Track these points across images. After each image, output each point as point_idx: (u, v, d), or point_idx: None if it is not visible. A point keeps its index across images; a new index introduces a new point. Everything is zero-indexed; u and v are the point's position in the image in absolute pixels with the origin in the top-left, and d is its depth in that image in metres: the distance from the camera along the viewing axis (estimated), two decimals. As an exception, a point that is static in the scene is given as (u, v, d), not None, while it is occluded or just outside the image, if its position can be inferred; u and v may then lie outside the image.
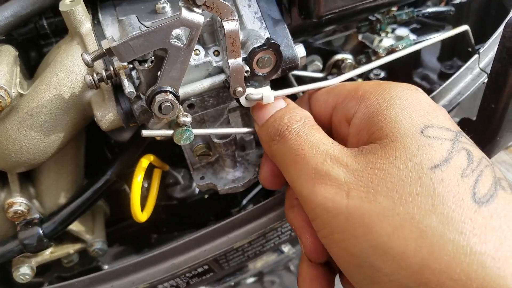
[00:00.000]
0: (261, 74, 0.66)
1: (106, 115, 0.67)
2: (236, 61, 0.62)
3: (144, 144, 0.86)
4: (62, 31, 0.78)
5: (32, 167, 0.74)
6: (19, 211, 0.79)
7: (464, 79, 0.88)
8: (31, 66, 0.82)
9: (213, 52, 0.69)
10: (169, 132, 0.65)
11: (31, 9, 0.69)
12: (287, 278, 1.39)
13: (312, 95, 0.70)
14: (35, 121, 0.67)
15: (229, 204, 1.17)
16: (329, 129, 0.65)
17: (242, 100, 0.67)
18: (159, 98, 0.60)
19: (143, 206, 0.83)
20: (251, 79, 0.66)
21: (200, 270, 0.87)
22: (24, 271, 0.89)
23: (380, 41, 1.01)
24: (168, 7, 0.66)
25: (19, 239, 0.80)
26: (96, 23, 0.69)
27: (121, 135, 0.99)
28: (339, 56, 0.89)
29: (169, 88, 0.61)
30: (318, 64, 0.91)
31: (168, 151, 0.97)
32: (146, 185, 1.12)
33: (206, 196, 1.11)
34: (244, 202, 1.18)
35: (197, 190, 1.10)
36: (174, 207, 1.11)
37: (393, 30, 1.06)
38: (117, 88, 0.68)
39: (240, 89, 0.64)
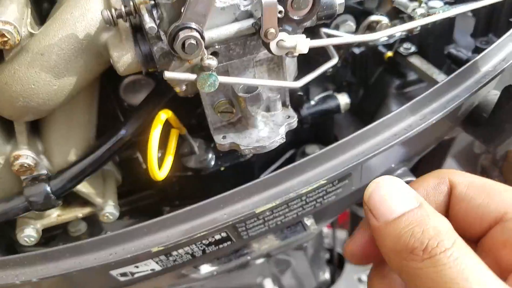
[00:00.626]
0: (295, 18, 0.60)
1: (124, 56, 0.61)
2: (270, -3, 0.55)
3: (161, 103, 0.81)
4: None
5: (40, 114, 0.69)
6: (25, 164, 0.73)
7: (509, 44, 0.81)
8: (43, 16, 0.77)
9: (242, -5, 0.63)
10: (193, 76, 0.59)
11: None
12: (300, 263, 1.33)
13: (457, 186, 0.49)
14: (46, 61, 0.61)
15: (245, 179, 1.10)
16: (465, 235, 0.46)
17: (273, 46, 0.61)
18: (182, 34, 0.55)
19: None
20: (284, 23, 0.60)
21: (217, 237, 0.81)
22: (28, 233, 0.84)
23: (414, 9, 0.94)
24: None
25: (24, 195, 0.75)
26: (116, -41, 0.63)
27: (136, 97, 0.93)
28: (374, 17, 0.83)
29: (194, 25, 0.55)
30: (351, 24, 0.84)
31: (184, 121, 0.92)
32: (159, 154, 1.07)
33: (223, 168, 1.05)
34: (262, 177, 1.12)
35: (213, 162, 1.05)
36: (188, 179, 1.05)
37: (426, 2, 0.99)
38: (136, 30, 0.63)
39: (272, 30, 0.58)
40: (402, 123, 0.75)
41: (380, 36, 0.69)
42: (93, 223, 1.04)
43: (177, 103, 0.87)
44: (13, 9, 0.61)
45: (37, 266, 0.80)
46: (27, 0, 0.67)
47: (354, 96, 1.15)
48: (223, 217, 0.77)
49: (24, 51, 0.62)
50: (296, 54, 0.66)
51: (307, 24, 0.64)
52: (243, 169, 1.07)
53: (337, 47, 0.97)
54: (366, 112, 1.19)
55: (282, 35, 0.60)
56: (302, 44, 0.60)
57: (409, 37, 1.08)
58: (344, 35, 0.79)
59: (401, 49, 1.09)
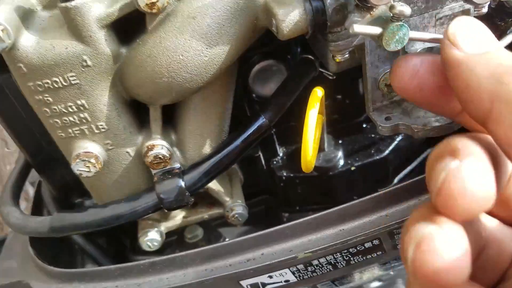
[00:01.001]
0: None
1: (290, 14, 0.51)
2: None
3: (303, 83, 0.70)
4: None
5: (184, 94, 0.60)
6: (160, 156, 0.65)
7: None
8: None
9: None
10: (378, 29, 0.47)
11: None
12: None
13: None
14: (198, 26, 0.53)
15: (377, 182, 0.96)
16: None
17: (480, -12, 0.47)
18: (377, -30, 0.43)
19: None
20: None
21: (368, 245, 0.67)
22: (153, 236, 0.76)
23: None
24: None
25: (156, 191, 0.67)
26: None
27: (265, 87, 0.83)
28: None
29: (388, -39, 0.44)
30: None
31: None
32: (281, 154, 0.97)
33: (353, 168, 0.92)
34: (396, 180, 0.97)
35: (342, 161, 0.91)
36: (312, 180, 0.93)
37: None
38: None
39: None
40: None
41: None
42: (210, 229, 0.95)
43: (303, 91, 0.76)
44: None
45: (163, 274, 0.71)
46: None
47: None
48: (385, 219, 0.63)
49: (172, 16, 0.54)
50: (485, 9, 0.53)
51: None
52: (377, 169, 0.93)
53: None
54: None
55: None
56: (521, -17, 0.46)
57: None
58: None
59: None
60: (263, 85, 0.84)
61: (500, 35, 0.81)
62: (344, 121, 0.93)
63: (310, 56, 0.72)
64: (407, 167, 0.98)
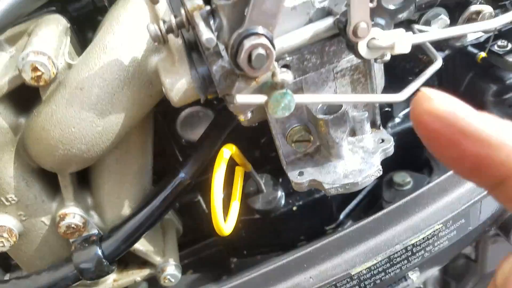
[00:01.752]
0: (390, 7, 0.46)
1: (177, 83, 0.49)
2: (360, -20, 0.42)
3: (222, 137, 0.68)
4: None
5: (85, 163, 0.58)
6: (72, 225, 0.63)
7: None
8: (86, 46, 0.69)
9: (315, -9, 0.50)
10: (262, 98, 0.46)
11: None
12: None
13: None
14: (86, 97, 0.51)
15: (322, 220, 0.94)
16: None
17: (362, 47, 0.47)
18: (248, 42, 0.42)
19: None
20: (376, 15, 0.46)
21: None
22: (82, 303, 0.72)
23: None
24: None
25: (73, 262, 0.64)
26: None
27: (194, 133, 0.82)
28: (474, 7, 0.67)
29: (261, 30, 0.43)
30: (445, 18, 0.69)
31: (246, 154, 0.79)
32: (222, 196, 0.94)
33: (295, 208, 0.90)
34: (342, 217, 0.95)
35: (283, 201, 0.90)
36: (255, 223, 0.91)
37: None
38: (191, 48, 0.51)
39: (363, 25, 0.44)
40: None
41: (498, 24, 0.53)
42: (156, 282, 0.92)
43: (236, 134, 0.74)
44: (49, 38, 0.52)
45: None
46: (66, 28, 0.58)
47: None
48: (309, 282, 0.61)
49: (61, 87, 0.52)
50: (388, 57, 0.52)
51: (403, 15, 0.50)
52: (320, 207, 0.91)
53: (419, 53, 0.82)
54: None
55: (374, 32, 0.46)
56: (402, 41, 0.45)
57: (502, 32, 0.90)
58: (440, 31, 0.64)
59: (495, 48, 0.91)
60: (192, 130, 0.83)
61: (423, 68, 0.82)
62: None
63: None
64: (352, 201, 0.97)
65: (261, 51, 0.42)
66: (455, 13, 0.70)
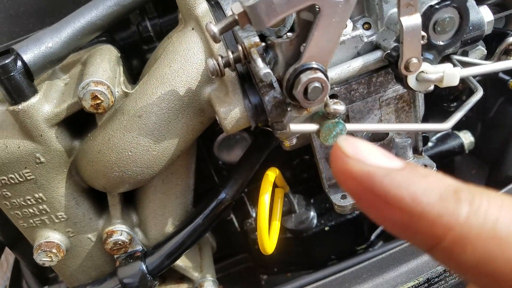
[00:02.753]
0: (439, 43, 0.48)
1: (231, 112, 0.52)
2: (413, 19, 0.44)
3: (261, 159, 0.70)
4: (168, 33, 0.66)
5: (137, 185, 0.61)
6: (119, 242, 0.65)
7: None
8: (133, 74, 0.72)
9: (363, 25, 0.53)
10: (314, 126, 0.48)
11: (136, -3, 0.59)
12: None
13: None
14: (144, 124, 0.54)
15: (353, 240, 0.96)
16: None
17: (412, 80, 0.49)
18: (305, 77, 0.44)
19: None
20: (425, 51, 0.48)
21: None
22: (123, 317, 0.74)
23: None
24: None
25: (118, 277, 0.66)
26: (214, 4, 0.56)
27: (230, 155, 0.84)
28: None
29: (316, 65, 0.45)
30: (483, 49, 0.70)
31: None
32: (254, 214, 0.96)
33: (327, 228, 0.91)
34: (373, 237, 0.96)
35: (315, 221, 0.91)
36: (287, 241, 0.92)
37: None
38: (244, 79, 0.53)
39: (415, 60, 0.46)
40: None
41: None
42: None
43: (269, 156, 0.76)
44: (105, 67, 0.55)
45: None
46: (117, 57, 0.61)
47: (472, 134, 0.98)
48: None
49: (119, 114, 0.55)
50: (432, 88, 0.53)
51: (450, 51, 0.51)
52: (351, 228, 0.92)
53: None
54: (487, 151, 1.01)
55: (424, 66, 0.48)
56: (451, 75, 0.47)
57: (533, 59, 0.90)
58: (479, 62, 0.65)
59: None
60: (228, 152, 0.85)
61: (459, 94, 0.83)
62: (314, 179, 0.93)
63: (268, 128, 0.73)
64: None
65: (317, 84, 0.45)
66: (492, 44, 0.71)
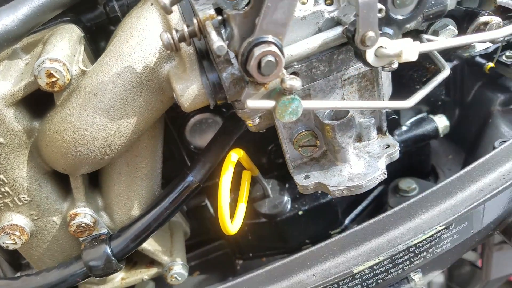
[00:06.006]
0: (399, 17, 0.47)
1: (188, 88, 0.51)
2: (367, -9, 0.43)
3: (230, 142, 0.70)
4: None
5: (97, 165, 0.60)
6: (83, 224, 0.64)
7: None
8: (99, 55, 0.70)
9: (325, 1, 0.52)
10: (270, 103, 0.47)
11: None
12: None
13: None
14: (99, 102, 0.53)
15: (327, 225, 0.95)
16: None
17: (370, 55, 0.48)
18: (258, 50, 0.43)
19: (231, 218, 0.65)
20: (385, 25, 0.47)
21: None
22: (91, 301, 0.74)
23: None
24: None
25: (83, 260, 0.65)
26: (173, -21, 0.55)
27: (203, 139, 0.83)
28: (484, 18, 0.68)
29: (271, 38, 0.44)
30: (453, 29, 0.70)
31: (253, 161, 0.80)
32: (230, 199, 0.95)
33: (300, 212, 0.91)
34: (347, 222, 0.96)
35: (289, 206, 0.91)
36: (261, 226, 0.92)
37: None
38: (202, 56, 0.52)
39: (371, 34, 0.45)
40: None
41: (503, 34, 0.53)
42: (163, 283, 0.93)
43: (244, 141, 0.75)
44: (63, 46, 0.54)
45: None
46: (79, 37, 0.60)
47: (450, 118, 0.97)
48: (312, 279, 0.62)
49: (75, 92, 0.54)
50: (395, 65, 0.53)
51: (411, 25, 0.51)
52: (325, 212, 0.92)
53: (425, 59, 0.83)
54: (464, 135, 1.01)
55: (382, 41, 0.47)
56: (410, 49, 0.46)
57: (510, 43, 0.90)
58: (449, 40, 0.64)
59: (504, 58, 0.91)
60: (200, 136, 0.84)
61: (431, 77, 0.82)
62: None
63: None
64: (358, 207, 0.98)
65: (270, 58, 0.44)
66: (463, 24, 0.71)
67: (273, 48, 0.43)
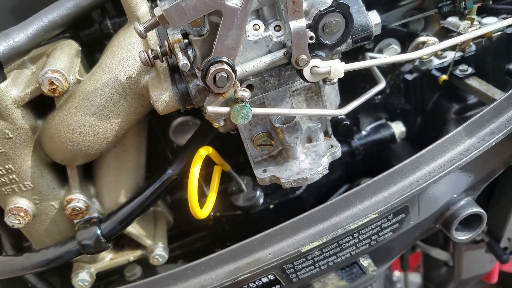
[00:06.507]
0: (328, 42, 0.59)
1: (162, 96, 0.63)
2: (299, 23, 0.55)
3: (205, 141, 0.81)
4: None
5: (89, 157, 0.72)
6: (77, 208, 0.76)
7: None
8: (94, 64, 0.82)
9: (274, 27, 0.63)
10: (226, 109, 0.59)
11: (92, 0, 0.69)
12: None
13: None
14: (91, 105, 0.65)
15: (297, 215, 1.06)
16: None
17: (307, 73, 0.59)
18: (213, 68, 0.55)
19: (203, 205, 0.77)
20: (317, 49, 0.59)
21: (265, 280, 0.77)
22: (83, 277, 0.86)
23: (466, 28, 0.89)
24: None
25: (77, 239, 0.77)
26: (154, 6, 0.67)
27: (184, 138, 0.95)
28: (421, 38, 0.79)
29: (225, 59, 0.56)
30: (396, 47, 0.81)
31: (230, 160, 0.92)
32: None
33: (272, 206, 1.02)
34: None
35: (261, 200, 1.02)
36: (237, 218, 1.03)
37: (479, 21, 0.94)
38: (174, 69, 0.64)
39: (303, 57, 0.57)
40: (458, 147, 0.69)
41: (423, 54, 0.65)
42: (149, 267, 1.04)
43: (224, 142, 0.87)
44: (63, 59, 0.66)
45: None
46: (77, 51, 0.72)
47: (412, 124, 1.09)
48: (268, 257, 0.73)
49: (72, 97, 0.66)
50: (334, 80, 0.64)
51: (342, 48, 0.62)
52: (294, 206, 1.03)
53: (383, 73, 0.94)
54: (426, 140, 1.12)
55: (315, 61, 0.59)
56: (337, 68, 0.58)
57: (464, 58, 1.02)
58: (390, 57, 0.76)
59: (457, 72, 1.02)
60: (182, 136, 0.96)
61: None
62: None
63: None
64: (324, 202, 1.08)
65: (223, 74, 0.56)
66: (405, 43, 0.82)
67: (226, 66, 0.55)
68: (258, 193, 1.01)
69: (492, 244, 1.22)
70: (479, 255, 1.45)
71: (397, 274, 1.95)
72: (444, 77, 1.03)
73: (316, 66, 0.59)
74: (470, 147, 0.68)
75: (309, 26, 0.57)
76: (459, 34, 0.84)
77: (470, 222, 0.81)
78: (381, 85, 0.70)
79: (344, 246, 0.76)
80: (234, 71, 0.56)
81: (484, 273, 1.55)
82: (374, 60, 0.61)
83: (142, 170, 0.83)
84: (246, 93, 0.58)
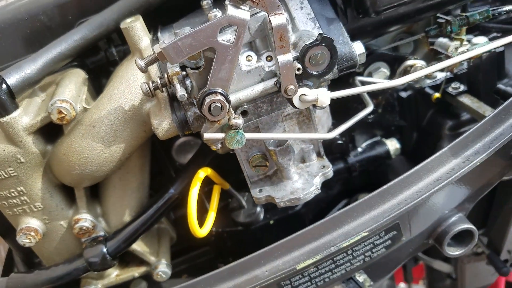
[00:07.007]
0: (314, 73, 0.63)
1: (162, 123, 0.67)
2: (286, 57, 0.59)
3: (205, 161, 0.86)
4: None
5: (95, 180, 0.76)
6: (84, 227, 0.81)
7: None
8: (101, 90, 0.88)
9: (266, 58, 0.68)
10: (221, 135, 0.64)
11: (97, 32, 0.74)
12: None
13: None
14: (96, 132, 0.70)
15: (296, 230, 1.10)
16: None
17: (296, 101, 0.64)
18: (208, 99, 0.60)
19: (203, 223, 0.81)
20: (305, 79, 0.63)
21: (264, 295, 0.80)
22: (91, 293, 0.90)
23: (456, 48, 0.93)
24: (219, 14, 0.66)
25: (84, 257, 0.81)
26: (155, 40, 0.72)
27: (187, 158, 0.99)
28: (409, 62, 0.83)
29: (219, 90, 0.60)
30: (385, 71, 0.85)
31: (232, 176, 0.96)
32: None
33: (272, 221, 1.06)
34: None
35: (262, 216, 1.06)
36: (239, 234, 1.07)
37: (469, 41, 0.97)
38: (173, 98, 0.69)
39: (291, 87, 0.61)
40: (444, 167, 0.72)
41: (408, 80, 0.69)
42: (154, 282, 1.08)
43: (226, 158, 0.91)
44: (71, 88, 0.71)
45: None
46: (84, 79, 0.77)
47: (409, 140, 1.12)
48: (265, 274, 0.76)
49: (79, 124, 0.71)
50: (324, 105, 0.68)
51: (329, 77, 0.67)
52: (294, 222, 1.07)
53: (374, 94, 0.98)
54: (422, 155, 1.15)
55: (304, 90, 0.63)
56: (323, 96, 0.62)
57: (457, 75, 1.05)
58: (378, 81, 0.80)
59: (450, 89, 1.06)
60: (184, 156, 1.01)
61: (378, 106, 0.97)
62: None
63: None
64: (323, 218, 1.12)
65: (217, 104, 0.60)
66: (394, 66, 0.86)
67: (220, 97, 0.60)
68: (258, 209, 1.05)
69: (492, 256, 1.24)
70: (481, 267, 1.45)
71: (402, 286, 1.96)
72: (437, 95, 1.07)
73: (304, 94, 0.63)
74: (455, 167, 0.72)
75: (297, 58, 0.61)
76: (448, 56, 0.88)
77: (462, 237, 0.84)
78: (369, 108, 0.74)
79: (339, 263, 0.79)
80: (227, 100, 0.60)
81: (487, 285, 1.56)
82: (359, 88, 0.65)
83: (145, 189, 0.87)
84: (240, 121, 0.62)
